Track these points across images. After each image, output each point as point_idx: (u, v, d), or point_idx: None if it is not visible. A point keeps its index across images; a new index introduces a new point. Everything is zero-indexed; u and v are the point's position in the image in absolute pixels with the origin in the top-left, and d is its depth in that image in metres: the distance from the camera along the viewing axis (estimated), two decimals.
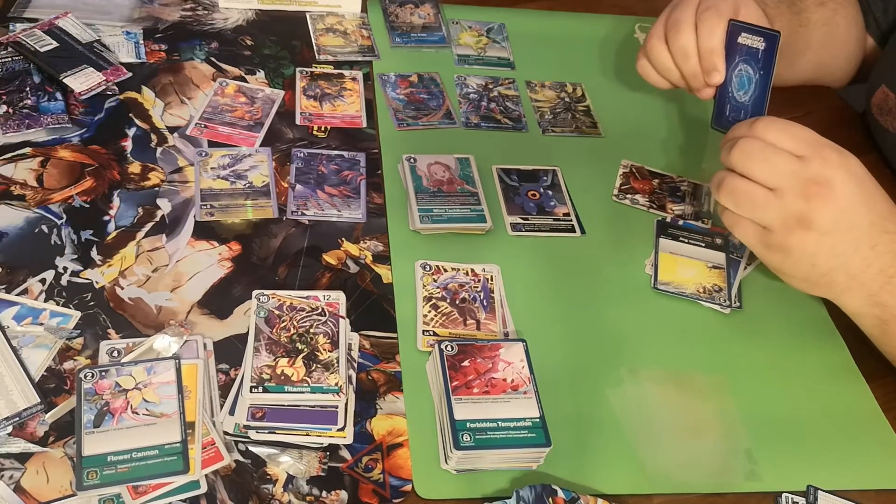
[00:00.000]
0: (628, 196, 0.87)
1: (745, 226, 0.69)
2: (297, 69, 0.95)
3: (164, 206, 0.78)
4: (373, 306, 0.73)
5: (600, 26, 1.08)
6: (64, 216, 0.75)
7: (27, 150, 0.80)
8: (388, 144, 0.88)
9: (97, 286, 0.71)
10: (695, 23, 0.79)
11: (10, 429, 0.61)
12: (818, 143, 0.67)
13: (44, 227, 0.74)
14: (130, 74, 0.89)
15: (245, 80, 0.92)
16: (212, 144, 0.85)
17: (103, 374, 0.63)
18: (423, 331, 0.71)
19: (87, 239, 0.74)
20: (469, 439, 0.61)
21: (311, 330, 0.68)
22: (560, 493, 0.60)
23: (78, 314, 0.68)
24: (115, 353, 0.66)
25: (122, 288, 0.71)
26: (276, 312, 0.68)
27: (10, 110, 0.82)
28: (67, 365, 0.65)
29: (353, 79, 0.95)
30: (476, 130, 0.92)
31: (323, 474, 0.62)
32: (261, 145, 0.85)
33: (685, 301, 0.78)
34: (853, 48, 0.98)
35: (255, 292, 0.70)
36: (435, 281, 0.75)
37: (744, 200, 0.68)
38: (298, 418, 0.63)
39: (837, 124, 0.99)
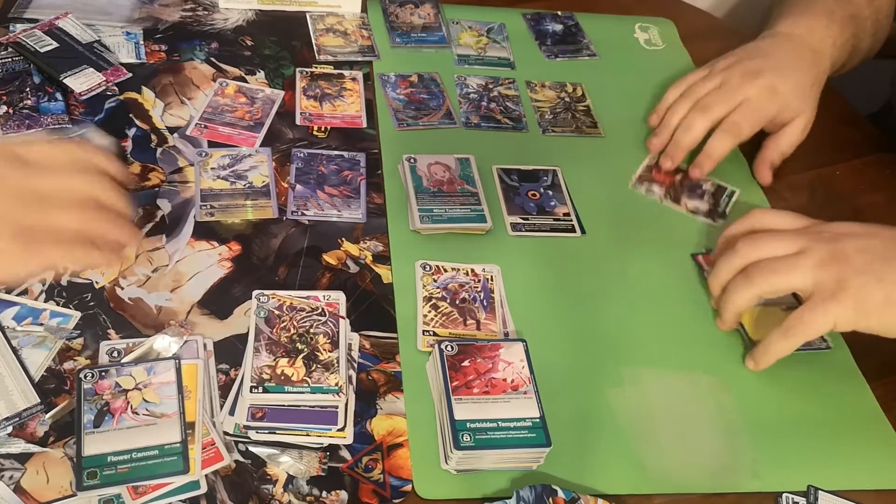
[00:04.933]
0: (644, 183, 0.87)
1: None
2: (297, 69, 0.95)
3: (165, 206, 0.78)
4: (373, 306, 0.73)
5: (600, 26, 1.08)
6: None
7: None
8: (389, 144, 0.88)
9: (97, 286, 0.71)
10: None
11: (10, 429, 0.61)
12: (809, 219, 0.73)
13: None
14: (130, 75, 0.89)
15: (245, 81, 0.92)
16: (212, 145, 0.85)
17: (103, 374, 0.63)
18: (423, 331, 0.71)
19: None
20: (469, 439, 0.61)
21: (311, 330, 0.67)
22: (560, 494, 0.60)
23: (78, 314, 0.68)
24: (115, 354, 0.66)
25: (122, 288, 0.71)
26: (276, 312, 0.68)
27: (11, 111, 0.82)
28: (67, 365, 0.65)
29: (353, 79, 0.95)
30: (476, 130, 0.92)
31: (323, 474, 0.62)
32: (261, 145, 0.85)
33: None
34: (889, 29, 0.98)
35: (255, 292, 0.70)
36: (435, 281, 0.75)
37: (766, 274, 0.69)
38: (298, 418, 0.63)
39: (839, 124, 0.99)
